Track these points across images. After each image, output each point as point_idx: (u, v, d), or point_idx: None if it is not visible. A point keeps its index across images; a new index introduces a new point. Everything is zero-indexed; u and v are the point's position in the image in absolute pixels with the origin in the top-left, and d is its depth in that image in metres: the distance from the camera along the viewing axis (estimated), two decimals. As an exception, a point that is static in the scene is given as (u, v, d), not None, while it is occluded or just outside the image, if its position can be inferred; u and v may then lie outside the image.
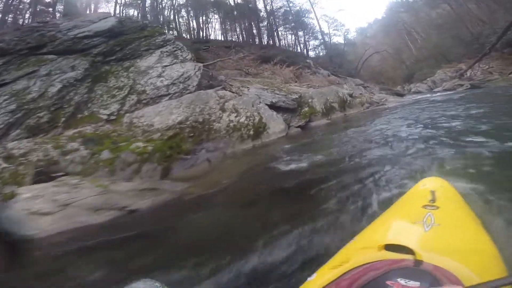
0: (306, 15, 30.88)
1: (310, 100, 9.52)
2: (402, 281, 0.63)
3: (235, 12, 27.37)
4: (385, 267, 0.73)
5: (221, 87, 8.88)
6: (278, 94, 8.24)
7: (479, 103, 8.35)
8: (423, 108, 9.24)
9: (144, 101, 6.33)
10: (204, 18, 27.48)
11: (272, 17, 28.36)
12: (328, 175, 3.30)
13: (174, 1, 25.00)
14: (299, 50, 29.33)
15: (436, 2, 35.43)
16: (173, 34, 12.69)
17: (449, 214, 1.14)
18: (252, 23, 25.77)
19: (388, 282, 0.63)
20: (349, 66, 30.51)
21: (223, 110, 7.16)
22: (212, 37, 26.13)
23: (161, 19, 23.57)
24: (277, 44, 26.65)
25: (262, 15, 27.68)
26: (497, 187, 2.14)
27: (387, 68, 41.82)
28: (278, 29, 28.96)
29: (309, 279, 0.83)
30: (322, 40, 31.98)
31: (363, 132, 6.15)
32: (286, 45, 30.40)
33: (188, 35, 22.13)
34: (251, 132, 6.78)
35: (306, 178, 3.37)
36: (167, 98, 6.65)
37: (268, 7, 27.65)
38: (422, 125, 5.69)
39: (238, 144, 6.40)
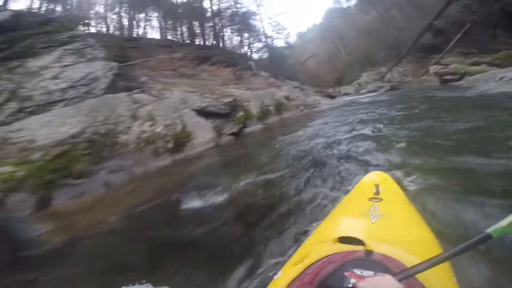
0: (252, 16, 30.34)
1: (246, 104, 8.84)
2: (358, 272, 0.67)
3: (180, 11, 25.59)
4: (341, 260, 0.76)
5: (139, 89, 7.62)
6: (208, 98, 7.36)
7: (399, 104, 8.69)
8: (352, 110, 9.31)
9: (28, 109, 4.89)
10: (141, 15, 25.09)
11: (218, 18, 27.20)
12: (254, 208, 2.54)
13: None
14: (244, 52, 28.62)
15: (367, 8, 37.84)
16: (85, 30, 10.53)
17: (391, 205, 1.19)
18: (196, 22, 24.21)
19: (346, 273, 0.67)
20: (289, 69, 31.00)
21: (134, 118, 5.94)
22: (150, 36, 23.91)
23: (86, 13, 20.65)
24: (222, 45, 25.59)
25: (208, 15, 26.33)
26: (426, 178, 2.31)
27: (321, 72, 43.73)
28: (224, 30, 27.90)
29: (275, 277, 0.83)
30: (265, 43, 31.75)
31: (298, 139, 5.64)
32: (232, 47, 29.58)
33: (118, 32, 19.67)
34: (170, 145, 5.70)
35: (225, 216, 2.48)
36: (61, 104, 5.30)
37: (214, 7, 26.33)
38: (353, 128, 5.49)
39: (152, 160, 5.23)
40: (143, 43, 16.08)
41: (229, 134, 7.13)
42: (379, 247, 0.80)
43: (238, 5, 27.69)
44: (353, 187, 1.56)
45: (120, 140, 4.91)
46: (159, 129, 5.99)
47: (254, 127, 8.21)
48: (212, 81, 12.56)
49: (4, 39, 6.43)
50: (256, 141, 6.69)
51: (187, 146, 6.07)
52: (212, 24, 24.71)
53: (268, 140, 6.29)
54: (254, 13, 29.68)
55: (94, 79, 6.55)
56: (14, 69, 5.71)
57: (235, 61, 16.70)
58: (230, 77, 14.77)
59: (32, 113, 4.84)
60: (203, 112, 7.01)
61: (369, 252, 0.78)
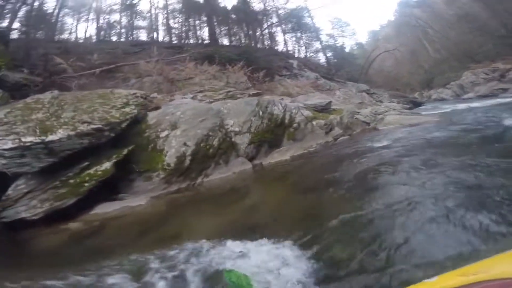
0: (303, 13, 24.31)
1: (162, 135, 3.44)
2: None
3: (233, 16, 22.21)
4: None
5: None
6: None
7: None
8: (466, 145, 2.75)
9: None
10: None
11: (264, 17, 22.58)
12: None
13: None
14: (282, 51, 22.98)
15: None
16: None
17: None
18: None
19: None
20: (356, 70, 23.42)
21: None
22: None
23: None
24: (264, 45, 20.58)
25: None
26: None
27: (403, 73, 33.93)
28: (272, 30, 22.98)
29: (427, 280, 0.67)
30: (319, 40, 24.95)
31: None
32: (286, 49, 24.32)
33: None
34: None
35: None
36: None
37: (259, 5, 21.91)
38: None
39: None
40: (148, 47, 12.27)
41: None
42: None
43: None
44: None
45: None
46: None
47: (130, 202, 2.74)
48: (203, 85, 7.54)
49: None
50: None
51: None
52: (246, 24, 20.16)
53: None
54: (305, 9, 23.59)
55: None
56: None
57: (257, 61, 11.17)
58: (242, 80, 9.45)
59: None
60: None
61: None
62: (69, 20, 16.15)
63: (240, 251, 1.64)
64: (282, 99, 7.39)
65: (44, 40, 9.59)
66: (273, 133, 4.39)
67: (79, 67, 6.97)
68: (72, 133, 2.79)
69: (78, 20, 16.96)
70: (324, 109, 7.21)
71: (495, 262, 0.71)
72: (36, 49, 7.86)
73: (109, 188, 3.04)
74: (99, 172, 2.80)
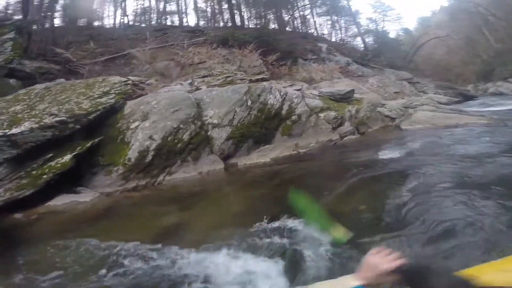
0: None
1: (133, 126, 3.14)
2: None
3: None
4: None
5: None
6: None
7: None
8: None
9: None
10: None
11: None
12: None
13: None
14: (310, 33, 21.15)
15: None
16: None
17: None
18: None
19: None
20: (400, 57, 20.91)
21: None
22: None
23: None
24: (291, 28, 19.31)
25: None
26: None
27: (455, 63, 29.61)
28: (303, 13, 21.47)
29: None
30: (353, 23, 22.63)
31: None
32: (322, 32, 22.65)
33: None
34: None
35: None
36: None
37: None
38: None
39: None
40: (173, 31, 12.13)
41: None
42: None
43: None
44: None
45: None
46: None
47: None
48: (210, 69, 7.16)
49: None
50: None
51: None
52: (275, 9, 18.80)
53: None
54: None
55: None
56: None
57: (275, 43, 10.31)
58: (256, 64, 8.77)
59: None
60: None
61: None
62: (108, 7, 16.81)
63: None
64: (291, 85, 6.60)
65: (69, 29, 9.94)
66: (263, 126, 3.82)
67: (79, 55, 7.10)
68: (36, 125, 2.75)
69: (115, 7, 17.65)
70: (344, 98, 6.08)
71: (483, 270, 0.69)
72: (59, 38, 8.16)
73: (73, 181, 2.89)
74: (58, 165, 2.67)
